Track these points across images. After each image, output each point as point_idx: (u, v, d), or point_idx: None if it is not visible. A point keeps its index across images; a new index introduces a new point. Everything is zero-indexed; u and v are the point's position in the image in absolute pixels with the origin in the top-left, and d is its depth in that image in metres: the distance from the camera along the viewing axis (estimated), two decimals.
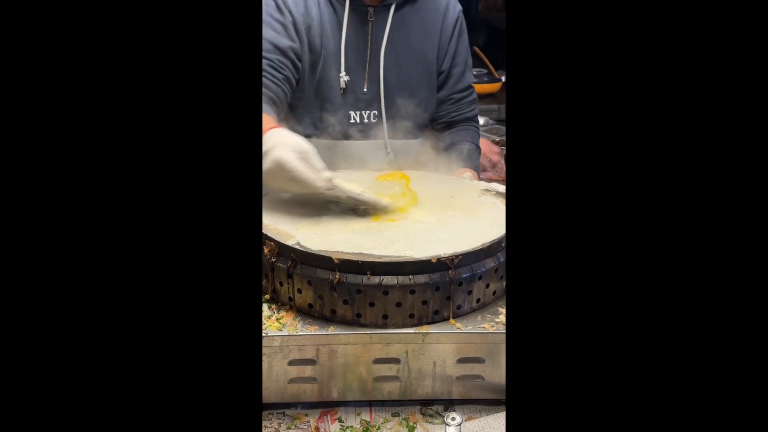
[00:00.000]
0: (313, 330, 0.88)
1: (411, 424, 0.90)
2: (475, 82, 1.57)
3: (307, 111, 1.36)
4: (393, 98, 1.36)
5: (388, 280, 0.85)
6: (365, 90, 1.35)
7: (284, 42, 1.26)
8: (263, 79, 1.23)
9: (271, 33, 1.26)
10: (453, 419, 0.82)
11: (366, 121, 1.37)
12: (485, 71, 2.72)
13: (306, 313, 0.91)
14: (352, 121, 1.36)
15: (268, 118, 1.10)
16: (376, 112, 1.37)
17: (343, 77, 1.32)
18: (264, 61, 1.23)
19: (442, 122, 1.48)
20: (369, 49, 1.33)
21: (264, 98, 1.22)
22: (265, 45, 1.25)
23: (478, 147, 1.49)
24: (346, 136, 1.36)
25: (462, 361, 0.90)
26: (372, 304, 0.87)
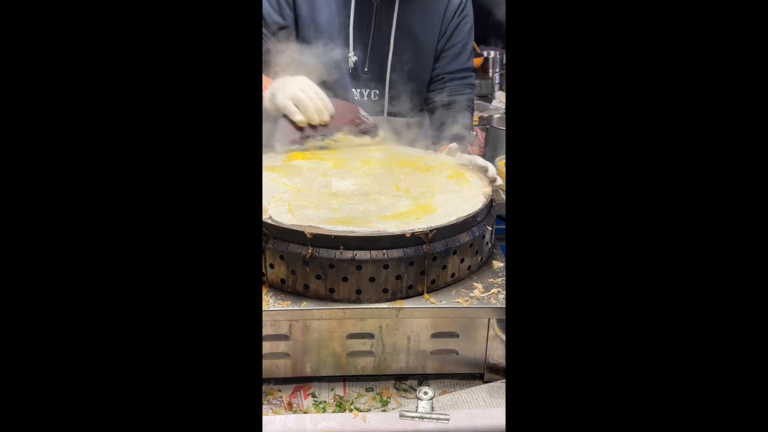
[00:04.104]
0: (285, 305, 0.87)
1: (385, 398, 0.90)
2: None
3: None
4: (394, 78, 1.39)
5: (362, 254, 0.84)
6: (366, 69, 1.37)
7: (274, 17, 1.31)
8: None
9: (265, 5, 1.31)
10: (425, 393, 0.82)
11: (366, 99, 1.40)
12: None
13: (278, 288, 0.90)
14: (356, 98, 1.39)
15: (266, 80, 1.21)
16: (377, 91, 1.40)
17: (352, 57, 1.35)
18: None
19: (434, 101, 1.49)
20: (372, 29, 1.34)
21: None
22: None
23: (466, 127, 1.50)
24: None
25: (436, 335, 0.90)
26: (345, 279, 0.86)
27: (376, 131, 1.24)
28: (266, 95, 1.16)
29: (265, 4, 1.32)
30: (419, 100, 1.48)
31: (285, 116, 1.14)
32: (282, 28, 1.33)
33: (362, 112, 1.24)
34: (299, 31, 1.35)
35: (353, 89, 1.39)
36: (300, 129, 1.16)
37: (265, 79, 1.21)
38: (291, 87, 1.13)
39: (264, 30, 1.31)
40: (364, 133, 1.22)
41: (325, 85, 1.36)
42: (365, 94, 1.41)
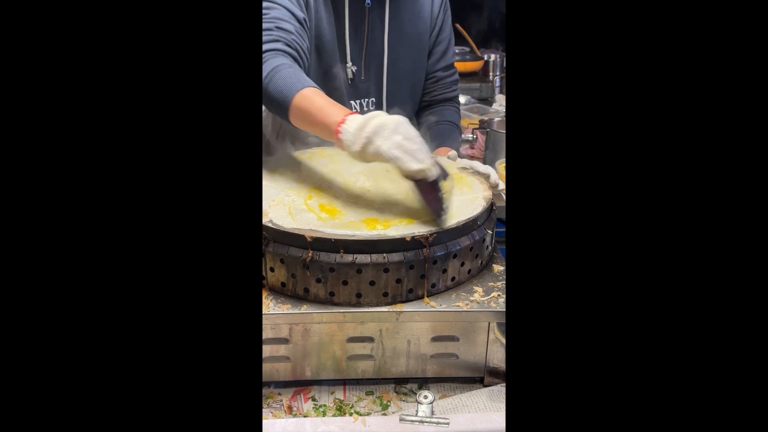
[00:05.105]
0: (285, 309, 0.87)
1: (385, 402, 0.90)
2: (457, 60, 1.56)
3: None
4: (391, 84, 1.36)
5: (362, 258, 0.84)
6: (362, 78, 1.34)
7: (300, 13, 1.20)
8: (294, 51, 1.14)
9: (288, 3, 1.18)
10: (425, 397, 0.82)
11: (365, 109, 1.37)
12: (467, 49, 2.70)
13: (279, 291, 0.90)
14: (353, 110, 1.36)
15: (334, 105, 0.98)
16: (373, 99, 1.37)
17: (350, 67, 1.32)
18: (287, 34, 1.15)
19: (423, 101, 1.48)
20: (366, 36, 1.32)
21: (301, 70, 1.10)
22: (283, 12, 1.17)
23: (458, 127, 1.49)
24: None
25: (436, 339, 0.90)
26: (345, 283, 0.86)
27: (444, 175, 0.94)
28: (355, 136, 0.89)
29: (287, 2, 1.18)
30: (416, 102, 1.46)
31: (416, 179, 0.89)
32: (308, 24, 1.22)
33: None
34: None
35: (351, 101, 1.36)
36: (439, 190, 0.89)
37: (333, 108, 0.96)
38: (395, 135, 0.87)
39: (299, 26, 1.18)
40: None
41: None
42: (364, 105, 1.38)
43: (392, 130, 0.87)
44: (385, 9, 1.31)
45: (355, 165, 1.14)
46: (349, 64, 1.32)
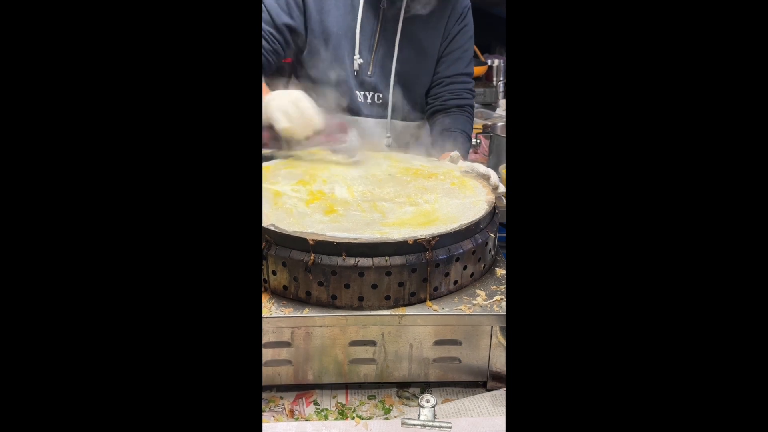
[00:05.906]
0: (287, 312, 0.86)
1: (387, 406, 0.89)
2: None
3: (320, 86, 1.40)
4: (398, 83, 1.41)
5: (364, 261, 0.84)
6: (370, 74, 1.39)
7: (283, 19, 1.31)
8: None
9: (274, 6, 1.31)
10: (427, 401, 0.81)
11: (370, 102, 1.43)
12: None
13: (281, 294, 0.90)
14: (360, 100, 1.42)
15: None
16: (380, 94, 1.42)
17: (357, 60, 1.37)
18: None
19: (433, 106, 1.50)
20: (377, 34, 1.36)
21: None
22: (265, 15, 1.30)
23: (468, 135, 1.50)
24: (354, 113, 1.42)
25: (439, 343, 0.89)
26: (347, 286, 0.85)
27: (353, 152, 1.19)
28: (266, 101, 1.13)
29: (273, 5, 1.31)
30: (422, 104, 1.50)
31: (269, 127, 1.12)
32: (291, 30, 1.33)
33: (351, 135, 1.20)
34: (307, 33, 1.36)
35: (357, 92, 1.41)
36: (278, 139, 1.13)
37: (263, 88, 1.19)
38: (285, 98, 1.11)
39: (271, 30, 1.31)
40: (340, 152, 1.19)
41: (332, 87, 1.39)
42: (369, 97, 1.42)
43: (285, 95, 1.12)
44: (400, 13, 1.35)
45: (357, 168, 1.15)
46: (357, 56, 1.36)
